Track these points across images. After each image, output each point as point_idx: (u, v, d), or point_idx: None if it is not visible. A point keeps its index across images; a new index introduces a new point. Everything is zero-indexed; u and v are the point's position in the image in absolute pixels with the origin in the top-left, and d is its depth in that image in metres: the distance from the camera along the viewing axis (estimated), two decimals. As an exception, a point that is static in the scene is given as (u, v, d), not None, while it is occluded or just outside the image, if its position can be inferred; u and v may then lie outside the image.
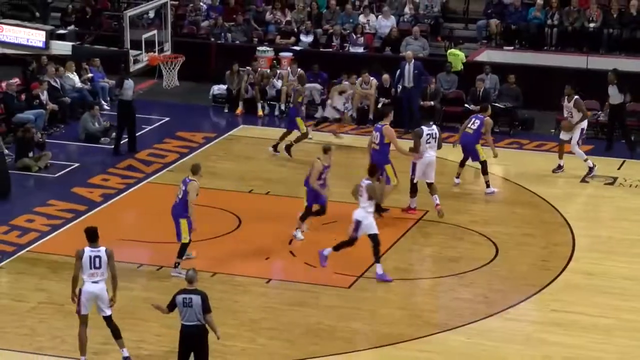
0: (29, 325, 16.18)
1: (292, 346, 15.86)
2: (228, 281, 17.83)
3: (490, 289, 17.67)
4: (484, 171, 21.70)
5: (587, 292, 17.66)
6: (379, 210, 19.87)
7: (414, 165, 20.63)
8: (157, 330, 16.16)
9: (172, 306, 14.14)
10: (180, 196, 17.88)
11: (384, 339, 16.08)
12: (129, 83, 23.33)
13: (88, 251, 15.07)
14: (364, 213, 17.76)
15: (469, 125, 21.92)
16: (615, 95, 24.45)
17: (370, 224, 17.75)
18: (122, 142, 23.87)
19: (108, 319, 15.12)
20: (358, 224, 17.75)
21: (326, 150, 19.35)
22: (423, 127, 20.73)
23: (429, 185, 20.57)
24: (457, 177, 22.37)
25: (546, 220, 20.59)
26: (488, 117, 21.97)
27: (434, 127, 20.86)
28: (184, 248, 17.91)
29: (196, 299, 13.99)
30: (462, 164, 22.28)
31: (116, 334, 15.12)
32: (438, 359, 15.39)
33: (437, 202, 20.41)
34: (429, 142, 20.60)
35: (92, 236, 15.24)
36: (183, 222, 17.75)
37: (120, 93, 23.60)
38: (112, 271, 15.05)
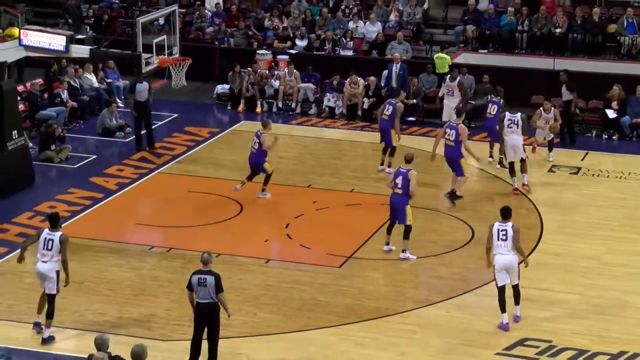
0: (51, 302, 16.18)
1: (289, 320, 15.87)
2: (231, 261, 17.82)
3: (467, 268, 17.69)
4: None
5: (554, 270, 17.69)
6: (452, 197, 20.34)
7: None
8: (166, 305, 16.18)
9: (190, 286, 14.13)
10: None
11: (371, 313, 16.09)
12: (142, 86, 23.33)
13: (45, 233, 15.07)
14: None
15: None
16: (565, 93, 24.62)
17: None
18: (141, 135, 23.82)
19: (49, 297, 15.00)
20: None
21: (265, 124, 20.66)
22: (507, 112, 21.19)
23: (521, 162, 21.08)
24: (385, 165, 22.16)
25: (517, 206, 20.55)
26: (400, 104, 22.22)
27: (518, 114, 21.12)
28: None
29: (210, 279, 13.99)
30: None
31: (49, 313, 15.01)
32: (420, 331, 15.43)
33: (525, 181, 21.05)
34: (511, 127, 20.92)
35: (52, 221, 15.19)
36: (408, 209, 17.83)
37: (132, 96, 23.50)
38: (62, 256, 14.95)
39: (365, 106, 26.26)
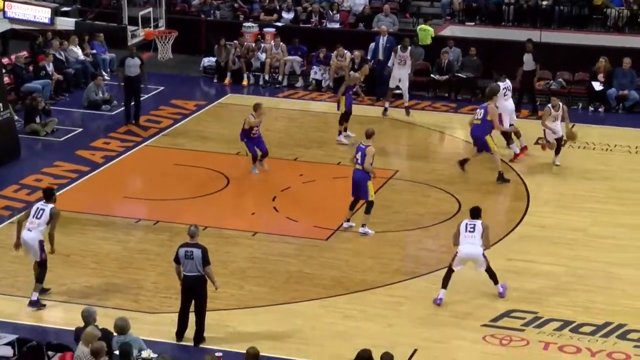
0: (38, 274, 16.14)
1: (276, 292, 15.88)
2: (218, 234, 17.81)
3: (451, 240, 17.66)
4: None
5: (540, 242, 17.73)
6: (502, 179, 20.13)
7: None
8: (153, 278, 16.18)
9: (177, 258, 14.12)
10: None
11: (357, 285, 16.12)
12: (132, 61, 23.05)
13: (39, 204, 15.42)
14: None
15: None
16: (529, 62, 24.62)
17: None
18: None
19: (38, 264, 15.23)
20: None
21: (256, 107, 20.20)
22: (499, 82, 21.21)
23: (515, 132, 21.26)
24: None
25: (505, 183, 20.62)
26: (355, 74, 22.61)
27: (507, 80, 21.41)
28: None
29: (197, 252, 14.00)
30: None
31: (38, 278, 15.20)
32: (406, 303, 15.45)
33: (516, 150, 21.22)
34: (506, 95, 21.12)
35: (46, 195, 15.55)
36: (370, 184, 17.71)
37: (121, 70, 23.27)
38: (50, 229, 15.16)
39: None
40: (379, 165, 20.77)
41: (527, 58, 24.65)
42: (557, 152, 21.10)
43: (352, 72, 22.80)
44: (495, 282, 15.60)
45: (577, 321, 14.99)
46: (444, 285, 15.43)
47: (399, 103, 25.06)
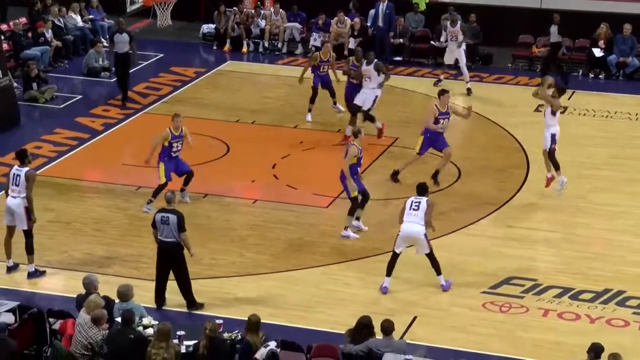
0: (39, 242, 16.04)
1: (276, 259, 15.91)
2: (218, 202, 17.83)
3: (453, 207, 17.72)
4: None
5: (540, 210, 17.77)
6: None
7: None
8: (153, 245, 16.04)
9: (154, 223, 14.12)
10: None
11: (357, 252, 16.15)
12: (121, 37, 22.38)
13: (13, 169, 15.12)
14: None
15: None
16: (555, 34, 24.59)
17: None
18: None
19: (24, 232, 15.04)
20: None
21: (174, 116, 17.42)
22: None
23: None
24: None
25: (503, 146, 20.63)
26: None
27: None
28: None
29: (173, 218, 13.96)
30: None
31: (28, 249, 15.08)
32: (405, 271, 15.33)
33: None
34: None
35: (19, 157, 15.24)
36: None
37: (111, 46, 22.72)
38: (27, 192, 14.89)
39: (352, 46, 26.06)
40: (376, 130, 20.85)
41: (554, 30, 24.72)
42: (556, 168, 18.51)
43: (314, 52, 21.55)
44: (438, 272, 14.87)
45: (577, 288, 15.03)
46: (388, 272, 14.84)
47: (399, 70, 25.05)
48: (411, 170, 18.59)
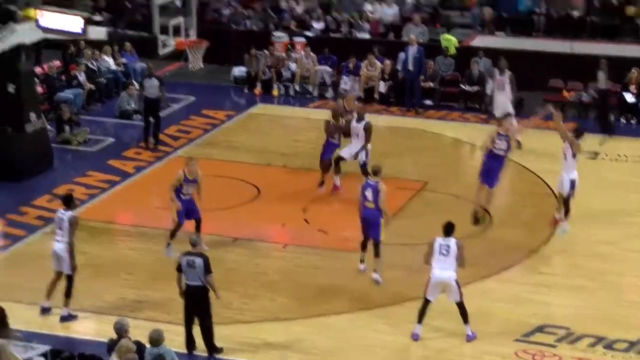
0: (70, 285, 16.22)
1: (306, 305, 15.87)
2: (249, 246, 17.83)
3: (485, 253, 17.61)
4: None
5: (572, 257, 17.62)
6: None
7: None
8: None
9: (179, 267, 14.14)
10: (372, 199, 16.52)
11: (388, 298, 16.07)
12: (150, 81, 22.76)
13: (58, 213, 15.28)
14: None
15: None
16: (602, 81, 24.48)
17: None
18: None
19: (66, 277, 15.21)
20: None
21: (187, 161, 17.57)
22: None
23: None
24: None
25: (536, 192, 20.52)
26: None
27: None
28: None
29: (199, 261, 14.00)
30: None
31: (66, 292, 15.20)
32: (437, 317, 15.20)
33: None
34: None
35: (64, 201, 15.41)
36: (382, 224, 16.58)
37: (142, 92, 23.05)
38: (69, 237, 15.05)
39: (382, 89, 26.17)
40: (409, 176, 20.86)
41: (602, 76, 24.41)
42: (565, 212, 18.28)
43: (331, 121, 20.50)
44: (465, 321, 14.70)
45: (611, 337, 14.87)
46: (420, 319, 14.67)
47: (430, 114, 25.11)
48: (435, 210, 18.53)
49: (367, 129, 19.86)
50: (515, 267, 17.16)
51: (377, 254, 16.58)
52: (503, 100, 23.06)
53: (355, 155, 19.87)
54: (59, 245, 15.14)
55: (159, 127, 23.05)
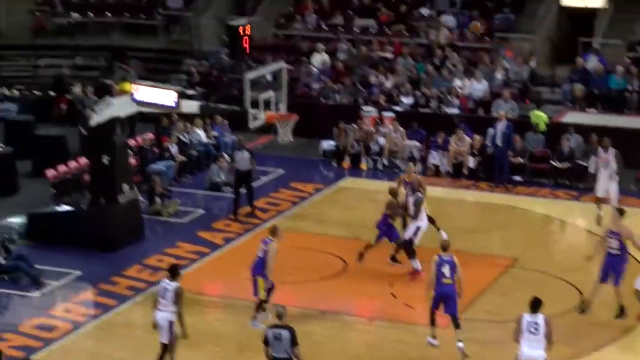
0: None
1: (394, 380, 15.77)
2: (336, 319, 17.81)
3: (575, 332, 17.30)
4: None
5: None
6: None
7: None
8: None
9: (266, 340, 14.18)
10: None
11: (477, 376, 15.89)
12: (241, 154, 23.17)
13: (163, 283, 15.52)
14: None
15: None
16: None
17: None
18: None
19: (162, 346, 15.35)
20: None
21: (274, 231, 17.58)
22: (419, 194, 20.11)
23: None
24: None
25: (627, 269, 20.11)
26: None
27: None
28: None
29: (285, 334, 14.02)
30: None
31: None
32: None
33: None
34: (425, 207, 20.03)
35: (171, 271, 15.66)
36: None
37: (233, 165, 23.41)
38: (177, 307, 15.29)
39: (471, 165, 26.14)
40: (499, 253, 20.68)
41: None
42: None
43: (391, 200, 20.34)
44: None
45: None
46: None
47: (519, 190, 24.95)
48: (524, 287, 18.28)
49: (417, 204, 19.95)
50: (607, 347, 16.79)
51: (458, 325, 16.52)
52: (606, 178, 22.73)
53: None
54: (161, 315, 15.38)
55: (253, 197, 23.41)
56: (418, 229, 19.92)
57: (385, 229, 20.04)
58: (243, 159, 23.14)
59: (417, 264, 19.63)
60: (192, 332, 17.12)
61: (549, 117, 27.48)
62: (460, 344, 16.46)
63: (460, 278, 16.43)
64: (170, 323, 15.28)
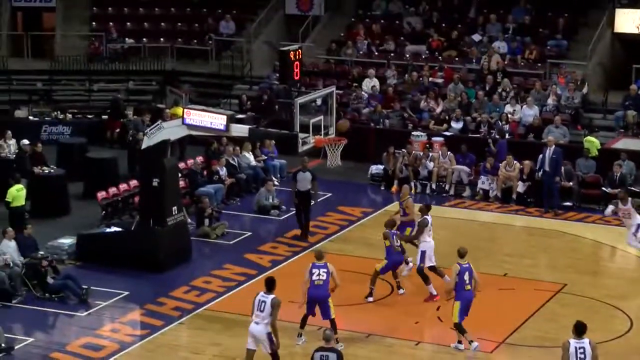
0: (203, 375, 16.48)
1: (438, 404, 15.66)
2: (381, 342, 17.76)
3: (626, 359, 17.09)
4: None
5: None
6: None
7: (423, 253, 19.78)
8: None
9: None
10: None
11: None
12: (303, 175, 23.32)
13: (259, 296, 15.65)
14: None
15: None
16: None
17: None
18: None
19: (272, 356, 15.59)
20: None
21: (319, 256, 17.71)
22: (425, 217, 20.00)
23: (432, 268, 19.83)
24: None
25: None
26: None
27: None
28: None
29: (332, 357, 13.96)
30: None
31: None
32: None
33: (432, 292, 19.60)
34: (430, 230, 20.00)
35: (268, 284, 15.84)
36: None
37: (294, 184, 23.48)
38: (271, 319, 15.43)
39: (520, 190, 25.99)
40: (547, 278, 20.50)
41: None
42: None
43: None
44: None
45: None
46: None
47: (569, 215, 24.71)
48: (573, 313, 18.09)
49: (419, 225, 20.05)
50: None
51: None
52: (629, 224, 21.97)
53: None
54: (257, 327, 15.59)
55: (308, 219, 23.51)
56: (423, 253, 19.92)
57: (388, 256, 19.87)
58: (305, 179, 23.27)
59: (432, 290, 19.66)
60: (238, 353, 17.23)
61: (601, 143, 27.24)
62: (475, 344, 17.22)
63: (477, 281, 17.44)
64: (269, 334, 15.53)
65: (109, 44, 36.02)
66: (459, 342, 17.48)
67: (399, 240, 19.94)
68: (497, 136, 27.89)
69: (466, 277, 17.26)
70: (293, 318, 17.85)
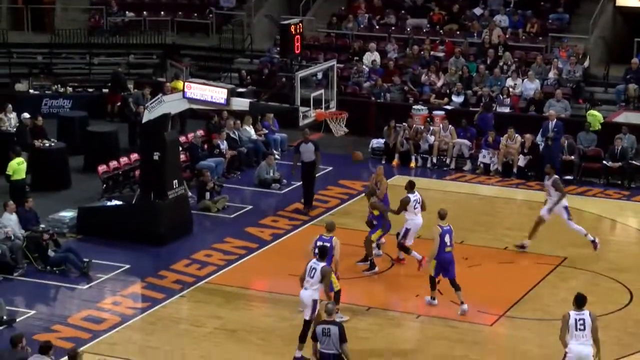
0: (205, 348, 16.48)
1: (439, 377, 15.73)
2: (382, 315, 17.80)
3: (625, 331, 17.14)
4: None
5: None
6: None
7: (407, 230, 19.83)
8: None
9: (314, 336, 14.23)
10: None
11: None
12: (306, 147, 23.31)
13: (311, 262, 15.97)
14: None
15: None
16: None
17: None
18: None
19: (304, 322, 15.75)
20: None
21: (329, 227, 17.61)
22: (409, 195, 20.03)
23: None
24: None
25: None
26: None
27: (417, 193, 20.07)
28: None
29: (334, 329, 14.08)
30: None
31: (300, 336, 15.72)
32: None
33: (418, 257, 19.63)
34: (416, 208, 19.97)
35: (321, 252, 16.14)
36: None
37: (297, 156, 23.48)
38: (324, 287, 15.86)
39: (521, 163, 25.95)
40: (547, 251, 20.52)
41: None
42: None
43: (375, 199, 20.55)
44: None
45: None
46: None
47: (570, 189, 24.70)
48: (572, 286, 18.16)
49: (400, 202, 20.10)
50: (656, 348, 16.60)
51: (458, 287, 17.69)
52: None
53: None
54: (306, 293, 15.77)
55: (312, 190, 23.50)
56: (407, 230, 19.95)
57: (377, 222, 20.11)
58: (308, 150, 23.26)
59: (416, 255, 19.74)
60: (238, 326, 17.31)
61: (603, 116, 27.18)
62: (465, 306, 17.54)
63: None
64: (315, 301, 15.65)
65: (109, 17, 35.88)
66: (432, 297, 17.94)
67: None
68: (484, 109, 27.64)
69: (447, 239, 17.67)
70: (293, 291, 17.85)
